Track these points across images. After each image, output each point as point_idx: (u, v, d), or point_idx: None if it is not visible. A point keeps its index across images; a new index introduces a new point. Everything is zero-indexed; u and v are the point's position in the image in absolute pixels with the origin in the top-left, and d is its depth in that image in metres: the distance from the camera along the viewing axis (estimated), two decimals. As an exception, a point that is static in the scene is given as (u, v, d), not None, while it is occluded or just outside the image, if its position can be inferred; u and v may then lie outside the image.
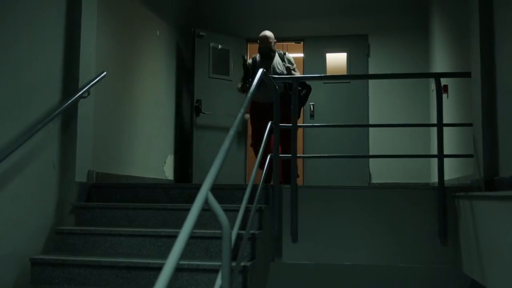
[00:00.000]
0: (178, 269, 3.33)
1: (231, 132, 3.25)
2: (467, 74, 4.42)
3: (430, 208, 4.50)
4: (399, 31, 7.73)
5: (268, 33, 6.16)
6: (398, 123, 6.69)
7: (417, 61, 7.55)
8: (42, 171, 4.13)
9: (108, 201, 4.58)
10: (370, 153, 7.52)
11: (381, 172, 7.46)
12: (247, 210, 3.57)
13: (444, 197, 4.42)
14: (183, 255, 2.16)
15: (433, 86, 7.10)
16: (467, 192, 4.04)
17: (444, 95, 6.03)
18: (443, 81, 6.03)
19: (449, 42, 6.28)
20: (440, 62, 6.72)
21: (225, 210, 2.70)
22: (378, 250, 4.56)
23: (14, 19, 3.85)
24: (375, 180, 7.47)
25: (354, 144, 7.57)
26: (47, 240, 4.12)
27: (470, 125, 4.28)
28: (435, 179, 7.01)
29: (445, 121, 4.80)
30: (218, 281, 2.73)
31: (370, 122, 7.60)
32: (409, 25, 7.70)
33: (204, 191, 2.64)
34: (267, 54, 6.10)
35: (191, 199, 4.26)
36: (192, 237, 3.56)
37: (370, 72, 7.74)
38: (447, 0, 6.44)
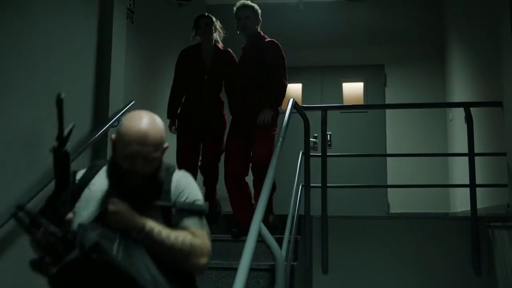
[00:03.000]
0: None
1: (273, 161, 3.22)
2: (497, 104, 4.42)
3: (463, 239, 4.45)
4: (416, 60, 7.77)
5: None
6: (425, 153, 6.64)
7: (433, 91, 7.56)
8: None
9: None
10: (388, 183, 7.48)
11: (400, 202, 7.40)
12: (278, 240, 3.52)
13: (477, 227, 4.37)
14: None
15: (451, 115, 7.12)
16: (504, 222, 4.00)
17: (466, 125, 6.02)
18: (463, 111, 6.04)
19: (469, 71, 6.30)
20: (459, 91, 6.73)
21: (261, 241, 2.65)
22: (410, 281, 4.50)
23: (52, 51, 3.86)
24: (393, 210, 7.42)
25: (372, 174, 7.53)
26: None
27: (504, 154, 4.26)
28: (454, 209, 6.97)
29: (466, 150, 4.79)
30: (273, 315, 2.67)
31: (388, 152, 7.57)
32: (425, 54, 7.74)
33: (256, 223, 2.60)
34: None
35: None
36: (228, 268, 3.51)
37: (387, 101, 7.75)
38: (466, 29, 6.48)
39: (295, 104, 4.19)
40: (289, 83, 7.94)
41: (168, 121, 4.72)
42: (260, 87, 4.34)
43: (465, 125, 6.04)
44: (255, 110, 4.26)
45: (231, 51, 4.73)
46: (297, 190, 4.35)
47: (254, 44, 4.43)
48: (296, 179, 4.26)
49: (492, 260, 4.29)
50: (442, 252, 4.50)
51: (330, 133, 7.59)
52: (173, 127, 4.66)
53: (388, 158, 7.54)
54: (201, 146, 4.67)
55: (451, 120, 7.16)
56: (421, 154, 5.76)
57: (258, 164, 4.20)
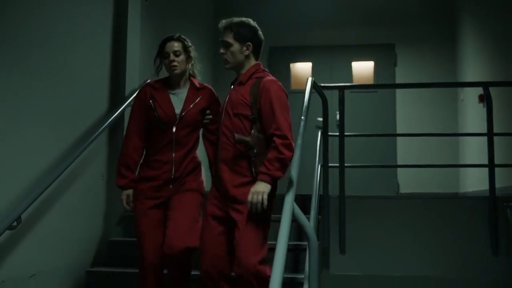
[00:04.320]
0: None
1: (299, 141, 3.20)
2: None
3: (480, 219, 4.45)
4: (426, 40, 7.71)
5: None
6: (441, 133, 6.62)
7: (444, 71, 7.52)
8: (91, 182, 4.08)
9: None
10: (398, 163, 7.47)
11: (409, 181, 7.40)
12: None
13: (495, 207, 4.36)
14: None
15: (462, 95, 7.09)
16: (524, 202, 3.99)
17: (480, 105, 6.00)
18: (479, 90, 6.01)
19: (482, 51, 6.26)
20: (472, 71, 6.69)
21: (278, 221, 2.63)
22: (427, 261, 4.50)
23: (68, 32, 3.82)
24: (403, 190, 7.42)
25: (382, 154, 7.52)
26: (97, 251, 4.06)
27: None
28: (464, 188, 6.98)
29: (481, 130, 4.77)
30: (306, 294, 2.67)
31: (398, 132, 7.55)
32: (436, 33, 7.69)
33: (289, 203, 2.59)
34: None
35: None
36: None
37: (397, 81, 7.71)
38: (479, 7, 6.42)
39: (314, 83, 4.13)
40: (298, 62, 8.10)
41: (118, 191, 3.28)
42: (250, 147, 2.87)
43: (478, 104, 6.05)
44: (236, 185, 2.88)
45: (212, 89, 3.34)
46: (319, 170, 4.33)
47: (241, 82, 2.99)
48: (317, 159, 4.24)
49: (510, 240, 4.30)
50: (458, 232, 4.49)
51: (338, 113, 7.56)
52: (128, 199, 3.17)
53: (398, 138, 7.52)
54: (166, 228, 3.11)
55: (462, 100, 7.14)
56: (436, 134, 5.73)
57: (240, 270, 2.74)
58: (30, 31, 3.39)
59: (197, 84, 3.31)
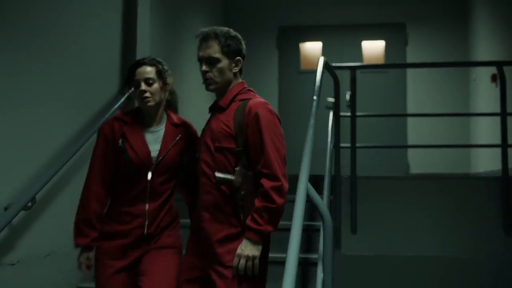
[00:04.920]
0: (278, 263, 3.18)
1: (312, 121, 3.19)
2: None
3: (492, 199, 4.43)
4: (438, 19, 7.62)
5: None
6: (457, 113, 6.55)
7: (456, 50, 7.44)
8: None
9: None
10: (409, 143, 7.44)
11: (420, 162, 7.38)
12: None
13: (508, 187, 4.34)
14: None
15: (475, 75, 7.02)
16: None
17: (493, 84, 5.95)
18: (491, 70, 5.96)
19: (495, 30, 6.18)
20: (484, 50, 6.62)
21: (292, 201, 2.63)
22: (438, 241, 4.50)
23: (80, 10, 3.81)
24: (414, 170, 7.40)
25: (391, 135, 7.49)
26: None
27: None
28: (476, 169, 6.95)
29: (493, 110, 4.72)
30: (320, 274, 2.68)
31: (408, 112, 7.52)
32: (448, 13, 7.60)
33: (303, 183, 2.58)
34: None
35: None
36: (278, 229, 3.48)
37: (408, 61, 7.65)
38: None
39: (325, 63, 4.09)
40: (308, 41, 8.04)
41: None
42: (235, 188, 2.33)
43: (491, 84, 5.99)
44: (221, 239, 2.34)
45: (192, 126, 2.77)
46: (331, 150, 4.32)
47: (222, 108, 2.44)
48: (328, 139, 4.23)
49: (523, 220, 4.28)
50: (470, 212, 4.48)
51: (349, 92, 7.52)
52: (88, 262, 2.58)
53: (409, 119, 7.49)
54: None
55: (474, 80, 7.08)
56: (448, 114, 5.68)
57: None
58: (41, 13, 3.37)
59: (175, 119, 2.67)
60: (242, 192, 2.28)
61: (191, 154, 2.65)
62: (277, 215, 2.23)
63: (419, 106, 7.49)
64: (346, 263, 4.57)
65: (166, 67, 2.63)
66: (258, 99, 2.37)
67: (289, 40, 8.01)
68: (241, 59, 2.44)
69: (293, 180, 2.73)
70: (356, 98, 4.67)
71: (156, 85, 2.56)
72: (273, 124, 2.30)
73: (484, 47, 6.63)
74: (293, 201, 2.52)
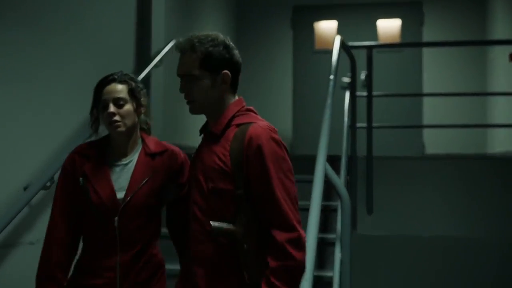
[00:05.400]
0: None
1: (329, 100, 3.18)
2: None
3: (509, 179, 4.40)
4: (455, -2, 7.52)
5: None
6: (474, 92, 6.50)
7: (473, 29, 7.34)
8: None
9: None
10: (424, 123, 7.39)
11: (435, 142, 7.33)
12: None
13: (527, 167, 4.32)
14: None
15: (492, 55, 6.93)
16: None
17: (511, 63, 5.87)
18: (509, 49, 5.88)
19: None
20: (502, 29, 6.52)
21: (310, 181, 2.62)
22: (454, 221, 4.49)
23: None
24: (429, 150, 7.36)
25: (407, 115, 7.44)
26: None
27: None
28: (492, 149, 6.89)
29: (510, 89, 4.65)
30: (338, 254, 2.68)
31: (424, 91, 7.45)
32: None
33: (321, 163, 2.58)
34: None
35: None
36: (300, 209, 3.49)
37: (424, 40, 7.56)
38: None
39: (342, 42, 4.06)
40: (322, 20, 7.97)
41: None
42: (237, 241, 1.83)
43: (509, 63, 5.91)
44: None
45: (178, 152, 2.23)
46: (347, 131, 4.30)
47: (214, 134, 1.93)
48: (345, 119, 4.21)
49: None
50: (486, 192, 4.46)
51: (365, 72, 7.46)
52: None
53: (425, 99, 7.42)
54: None
55: (492, 59, 6.99)
56: (466, 94, 5.62)
57: None
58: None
59: (151, 147, 2.16)
60: (245, 246, 1.78)
61: (177, 189, 2.15)
62: (299, 273, 1.76)
63: (435, 86, 7.43)
64: (362, 243, 4.58)
65: (140, 85, 2.15)
66: (259, 123, 1.83)
67: (304, 20, 7.93)
68: (229, 73, 1.87)
69: (311, 161, 2.73)
70: (371, 78, 4.63)
71: (128, 107, 2.07)
72: (281, 158, 1.79)
73: (502, 26, 6.53)
74: (310, 182, 2.53)
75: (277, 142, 1.80)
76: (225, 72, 1.86)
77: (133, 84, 2.11)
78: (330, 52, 3.72)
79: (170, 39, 4.64)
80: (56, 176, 3.08)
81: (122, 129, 2.06)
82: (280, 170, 1.77)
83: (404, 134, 7.22)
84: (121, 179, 2.09)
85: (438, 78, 7.44)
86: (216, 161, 1.82)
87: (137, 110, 2.11)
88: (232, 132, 1.84)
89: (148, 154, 2.13)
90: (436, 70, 7.49)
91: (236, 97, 1.94)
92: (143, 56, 4.38)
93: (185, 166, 2.17)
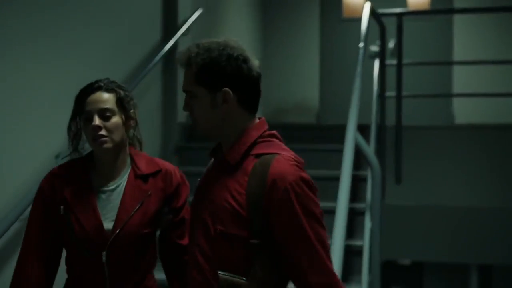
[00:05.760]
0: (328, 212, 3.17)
1: (358, 69, 3.14)
2: None
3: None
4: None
5: None
6: (505, 60, 6.32)
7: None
8: (147, 113, 4.11)
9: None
10: (454, 92, 7.26)
11: (465, 112, 7.20)
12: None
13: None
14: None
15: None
16: None
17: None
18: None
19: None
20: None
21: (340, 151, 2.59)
22: (483, 192, 4.44)
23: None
24: (459, 120, 7.24)
25: (435, 84, 7.31)
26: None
27: None
28: (524, 119, 6.76)
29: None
30: (368, 223, 2.68)
31: (455, 59, 7.30)
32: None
33: (352, 131, 2.55)
34: None
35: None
36: (330, 178, 3.46)
37: (455, 7, 7.36)
38: None
39: (372, 10, 3.98)
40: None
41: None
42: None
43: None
44: None
45: (174, 171, 1.91)
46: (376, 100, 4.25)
47: (228, 163, 1.55)
48: (374, 88, 4.15)
49: None
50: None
51: (393, 40, 7.34)
52: None
53: (455, 67, 7.28)
54: None
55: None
56: (498, 62, 5.49)
57: None
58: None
59: (143, 167, 1.85)
60: None
61: (170, 214, 1.87)
62: None
63: (466, 54, 7.26)
64: (390, 213, 4.56)
65: (130, 94, 1.86)
66: (284, 155, 1.47)
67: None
68: (230, 90, 1.49)
69: (338, 130, 2.71)
70: (401, 46, 4.55)
71: (115, 120, 1.77)
72: (312, 203, 1.44)
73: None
74: (340, 151, 2.51)
75: (307, 183, 1.44)
76: (225, 90, 1.49)
77: (122, 93, 1.82)
78: (358, 20, 3.67)
79: (197, 7, 4.61)
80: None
81: (109, 145, 1.75)
82: (312, 217, 1.42)
83: (433, 104, 7.12)
84: (108, 207, 1.78)
85: (469, 46, 7.27)
86: (229, 199, 1.46)
87: (126, 123, 1.82)
88: (250, 163, 1.48)
89: (138, 177, 1.82)
90: (467, 37, 7.31)
91: (256, 119, 1.56)
92: (170, 25, 4.35)
93: (182, 188, 1.89)
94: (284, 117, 6.69)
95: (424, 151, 4.59)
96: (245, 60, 1.51)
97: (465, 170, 4.50)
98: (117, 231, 1.74)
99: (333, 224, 2.07)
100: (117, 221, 1.75)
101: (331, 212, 2.31)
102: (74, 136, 1.85)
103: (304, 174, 1.45)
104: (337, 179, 3.06)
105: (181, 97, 4.31)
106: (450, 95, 6.96)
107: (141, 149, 1.93)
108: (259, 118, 1.57)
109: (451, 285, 9.63)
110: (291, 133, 4.38)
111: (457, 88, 7.31)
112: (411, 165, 4.52)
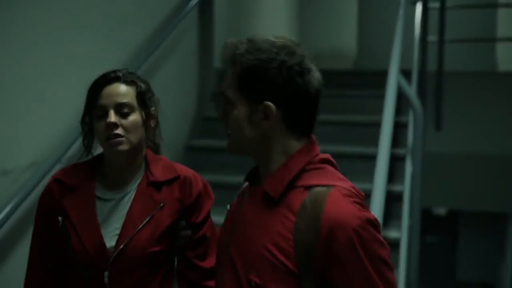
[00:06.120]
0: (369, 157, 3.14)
1: (401, 11, 3.04)
2: None
3: None
4: None
5: None
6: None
7: None
8: (183, 59, 4.08)
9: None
10: (499, 36, 7.01)
11: (509, 58, 6.96)
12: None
13: None
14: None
15: None
16: None
17: None
18: None
19: None
20: None
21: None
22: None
23: None
24: (502, 66, 7.01)
25: (478, 28, 7.05)
26: (193, 126, 4.15)
27: None
28: None
29: None
30: (409, 167, 2.64)
31: (500, 2, 7.00)
32: None
33: (394, 75, 2.49)
34: None
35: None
36: (371, 124, 3.41)
37: None
38: None
39: None
40: None
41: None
42: None
43: None
44: None
45: (195, 178, 1.62)
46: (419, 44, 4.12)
47: (267, 195, 1.19)
48: (415, 33, 4.01)
49: None
50: None
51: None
52: None
53: (500, 10, 6.99)
54: None
55: None
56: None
57: None
58: None
59: (157, 174, 1.57)
60: None
61: (188, 230, 1.60)
62: None
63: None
64: (428, 161, 4.50)
65: (151, 88, 1.60)
66: (341, 189, 1.14)
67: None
68: (272, 105, 1.17)
69: (379, 76, 2.64)
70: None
71: (134, 117, 1.51)
72: (380, 246, 1.13)
73: None
74: (378, 97, 2.45)
75: (373, 224, 1.12)
76: (267, 104, 1.17)
77: (143, 86, 1.55)
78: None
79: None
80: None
81: (124, 147, 1.49)
82: (381, 262, 1.12)
83: (476, 49, 6.89)
84: (113, 218, 1.53)
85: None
86: (270, 247, 1.14)
87: (146, 122, 1.55)
88: (297, 198, 1.15)
89: (151, 184, 1.55)
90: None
91: (305, 141, 1.23)
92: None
93: (203, 199, 1.60)
94: (320, 63, 6.54)
95: (465, 98, 4.47)
96: (302, 73, 1.18)
97: (506, 119, 4.38)
98: (121, 246, 1.48)
99: (374, 170, 2.04)
100: (121, 236, 1.49)
101: (372, 158, 2.28)
102: (86, 134, 1.58)
103: (369, 215, 1.13)
104: (375, 124, 3.01)
105: (218, 42, 4.27)
106: (493, 40, 6.71)
107: (156, 153, 1.65)
108: (308, 137, 1.24)
109: (487, 235, 9.59)
110: (328, 79, 4.29)
111: (501, 32, 7.05)
112: (452, 112, 4.42)
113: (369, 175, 2.15)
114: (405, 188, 2.61)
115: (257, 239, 1.16)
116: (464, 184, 4.68)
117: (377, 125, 3.47)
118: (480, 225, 9.79)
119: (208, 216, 1.62)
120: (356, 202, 1.12)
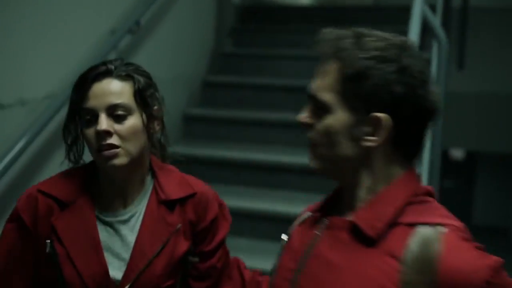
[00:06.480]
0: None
1: None
2: None
3: None
4: None
5: None
6: None
7: None
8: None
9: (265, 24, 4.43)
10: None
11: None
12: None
13: None
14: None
15: None
16: None
17: None
18: None
19: None
20: None
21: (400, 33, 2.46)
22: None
23: None
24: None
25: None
26: (211, 62, 4.11)
27: None
28: None
29: None
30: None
31: None
32: None
33: (419, 5, 2.41)
34: None
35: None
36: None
37: None
38: None
39: None
40: None
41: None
42: None
43: None
44: None
45: (211, 194, 1.34)
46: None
47: (364, 236, 0.93)
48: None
49: None
50: None
51: None
52: None
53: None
54: None
55: None
56: None
57: None
58: None
59: (168, 190, 1.29)
60: None
61: (197, 257, 1.33)
62: None
63: None
64: (449, 101, 4.43)
65: (153, 83, 1.28)
66: (454, 231, 0.90)
67: None
68: (390, 119, 0.91)
69: (400, 11, 2.55)
70: None
71: (133, 121, 1.21)
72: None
73: None
74: (401, 32, 2.38)
75: (500, 269, 0.87)
76: (380, 116, 0.91)
77: (142, 80, 1.23)
78: None
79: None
80: (143, 21, 3.07)
81: (122, 161, 1.19)
82: None
83: None
84: (117, 246, 1.24)
85: None
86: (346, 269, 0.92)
87: (148, 125, 1.24)
88: (399, 238, 0.91)
89: (162, 203, 1.27)
90: None
91: (406, 168, 0.98)
92: None
93: (219, 224, 1.33)
94: None
95: (489, 36, 4.35)
96: (424, 83, 0.93)
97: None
98: (131, 283, 1.20)
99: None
100: (129, 269, 1.21)
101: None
102: (72, 144, 1.25)
103: (495, 258, 0.88)
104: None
105: None
106: None
107: (163, 161, 1.34)
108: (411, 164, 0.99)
109: (504, 179, 9.55)
110: (347, 15, 4.20)
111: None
112: (474, 51, 4.31)
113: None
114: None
115: None
116: (484, 125, 4.61)
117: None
118: (498, 169, 9.75)
119: (221, 243, 1.34)
120: (476, 247, 0.89)
